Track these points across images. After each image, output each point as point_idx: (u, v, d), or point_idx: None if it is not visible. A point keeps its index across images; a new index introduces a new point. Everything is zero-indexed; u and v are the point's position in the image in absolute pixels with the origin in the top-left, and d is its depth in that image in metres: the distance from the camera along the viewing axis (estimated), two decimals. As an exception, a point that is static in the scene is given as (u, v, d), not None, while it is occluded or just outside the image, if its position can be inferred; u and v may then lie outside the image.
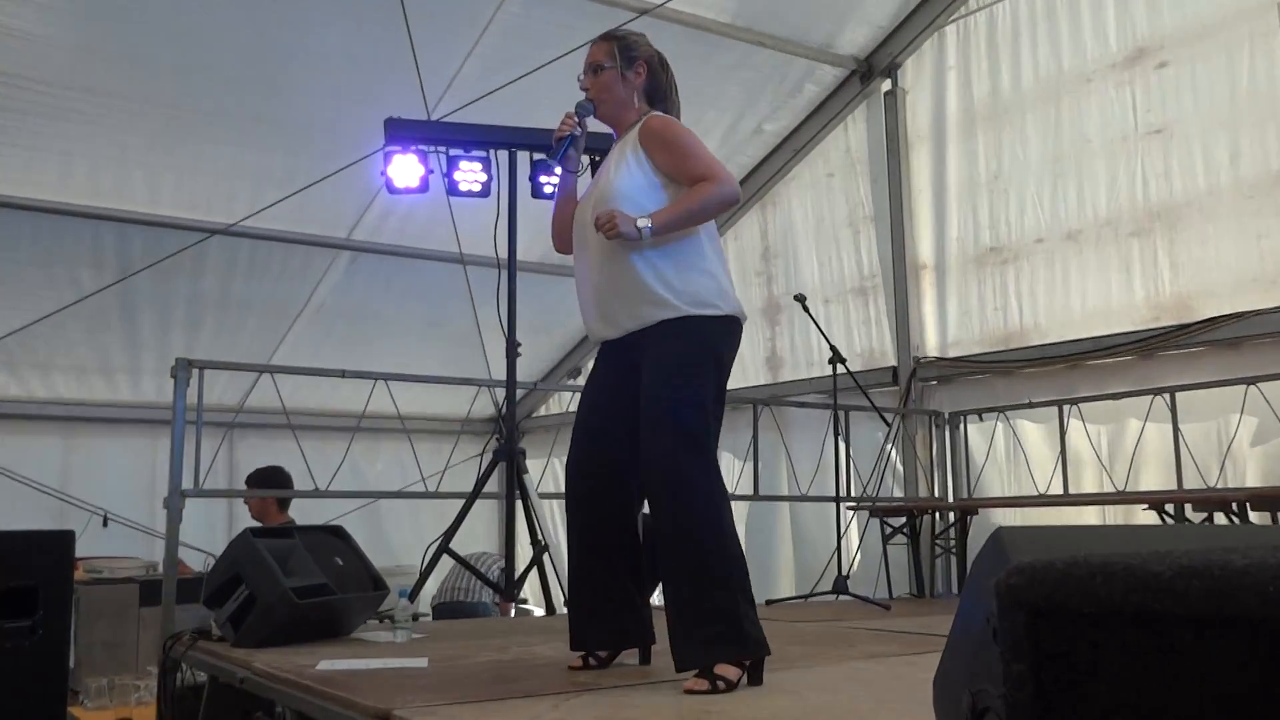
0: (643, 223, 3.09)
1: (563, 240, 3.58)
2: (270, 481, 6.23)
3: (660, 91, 3.46)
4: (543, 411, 10.36)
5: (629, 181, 3.25)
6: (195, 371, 4.99)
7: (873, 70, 7.79)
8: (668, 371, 3.10)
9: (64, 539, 4.69)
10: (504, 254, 5.25)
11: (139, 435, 8.46)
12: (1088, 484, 6.50)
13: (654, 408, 3.08)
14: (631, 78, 3.41)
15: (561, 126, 3.40)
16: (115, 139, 6.61)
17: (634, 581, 3.31)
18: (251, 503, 6.43)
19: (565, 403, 9.41)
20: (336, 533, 5.22)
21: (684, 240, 3.20)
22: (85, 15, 5.87)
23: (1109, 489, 6.31)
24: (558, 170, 3.56)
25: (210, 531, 8.01)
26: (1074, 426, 6.52)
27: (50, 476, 7.98)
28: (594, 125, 3.51)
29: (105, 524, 7.64)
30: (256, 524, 6.39)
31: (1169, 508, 5.56)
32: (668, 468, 3.02)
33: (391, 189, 5.12)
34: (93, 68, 6.16)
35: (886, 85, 7.77)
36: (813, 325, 6.58)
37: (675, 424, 3.03)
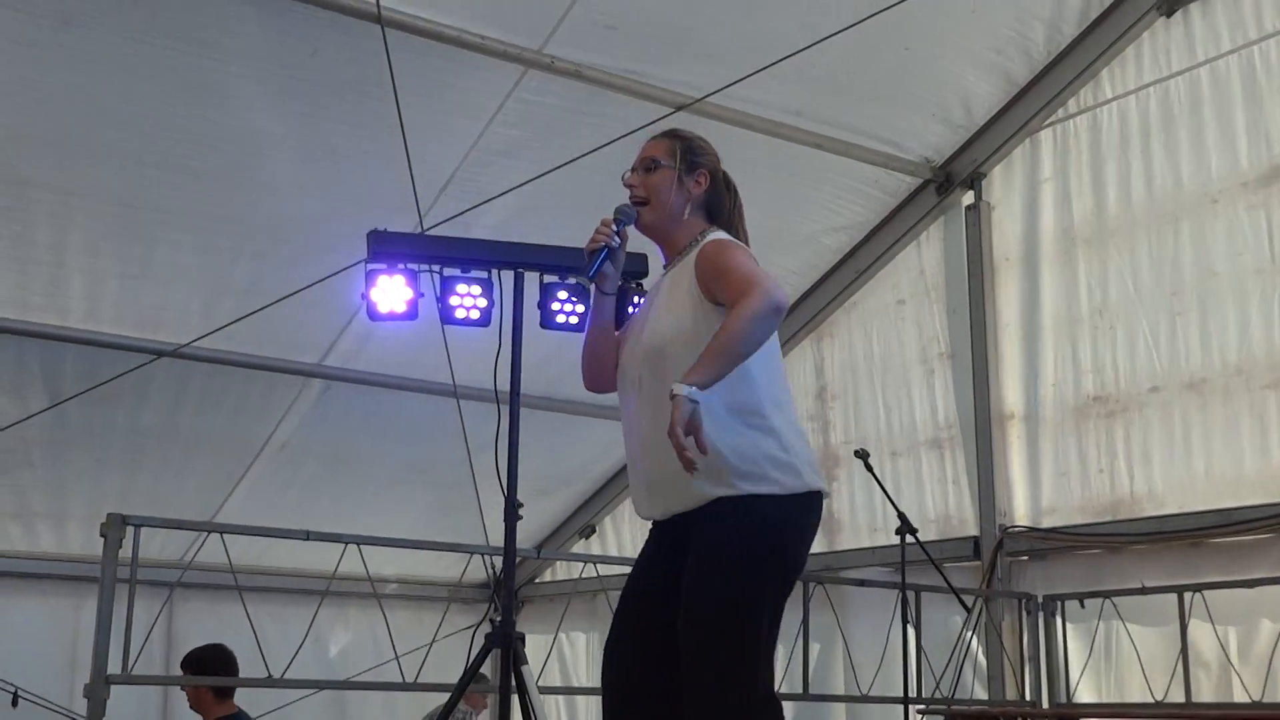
0: (684, 390, 2.89)
1: (596, 379, 3.51)
2: (208, 666, 6.14)
3: (723, 213, 3.43)
4: (548, 577, 10.20)
5: (683, 322, 3.19)
6: (130, 529, 4.90)
7: (952, 180, 7.79)
8: (711, 587, 3.03)
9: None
10: (505, 391, 5.18)
11: (61, 595, 8.36)
12: (1212, 692, 6.31)
13: (692, 654, 3.03)
14: (690, 185, 3.38)
15: (596, 235, 3.34)
16: (48, 240, 6.60)
17: None
18: (188, 690, 6.33)
19: (575, 569, 9.25)
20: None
21: (739, 387, 3.08)
22: (12, 92, 5.91)
23: (1241, 698, 6.11)
24: (590, 289, 3.45)
25: (142, 718, 7.86)
26: (1197, 619, 6.34)
27: (-51, 643, 7.85)
28: (635, 241, 3.46)
29: (15, 703, 7.46)
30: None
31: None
32: None
33: (373, 315, 5.08)
34: (21, 154, 6.17)
35: (969, 198, 7.77)
36: (876, 485, 6.48)
37: (717, 691, 2.99)
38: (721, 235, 3.34)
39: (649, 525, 3.41)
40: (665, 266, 3.45)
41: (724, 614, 3.01)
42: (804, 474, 3.16)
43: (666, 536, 3.29)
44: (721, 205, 3.44)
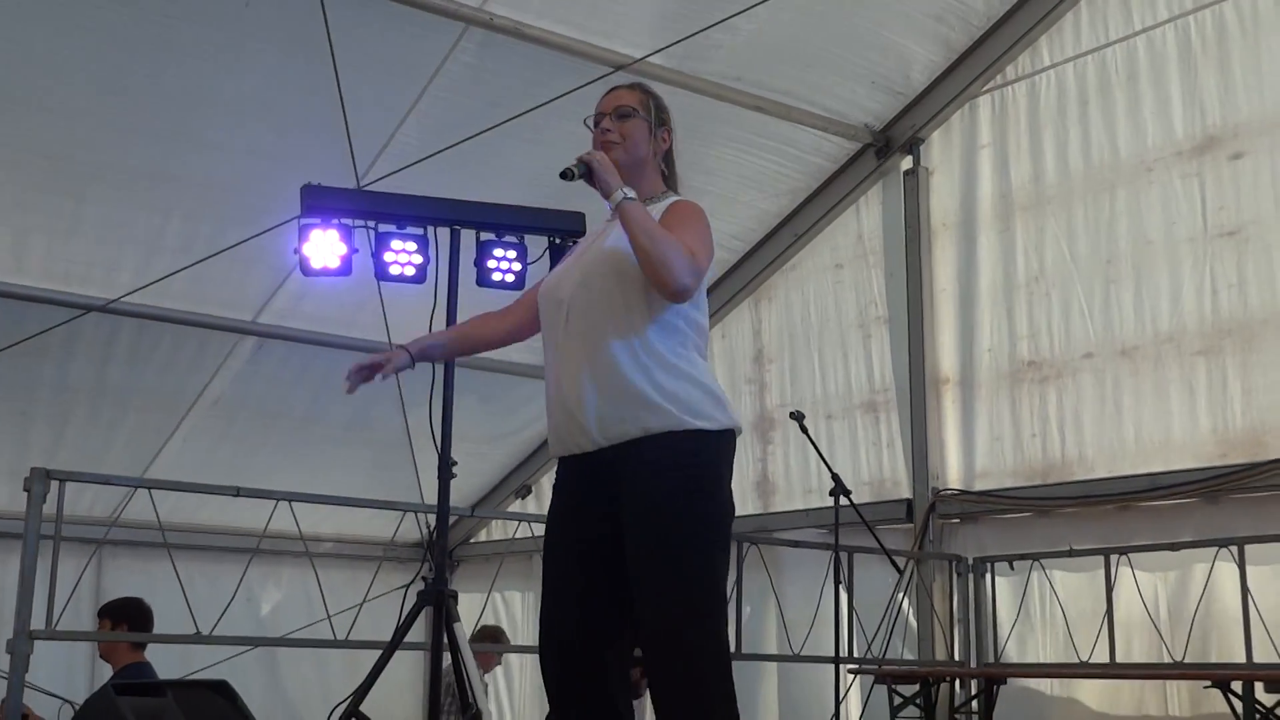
0: (625, 190, 3.15)
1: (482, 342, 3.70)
2: (125, 615, 6.17)
3: (672, 171, 3.49)
4: (483, 537, 10.18)
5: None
6: (55, 484, 4.83)
7: (891, 145, 7.82)
8: (666, 524, 3.05)
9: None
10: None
11: (-15, 551, 8.25)
12: (1140, 651, 6.41)
13: (655, 601, 3.05)
14: (659, 140, 3.43)
15: (593, 154, 3.30)
16: (-30, 191, 6.49)
17: None
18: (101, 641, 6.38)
19: (510, 528, 9.24)
20: (220, 690, 5.06)
21: (671, 336, 3.19)
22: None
23: (1166, 658, 6.21)
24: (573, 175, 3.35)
25: (69, 673, 7.77)
26: (1124, 581, 6.43)
27: None
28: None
29: (-64, 660, 7.37)
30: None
31: (1236, 686, 5.45)
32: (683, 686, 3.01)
33: (306, 270, 5.01)
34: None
35: (907, 163, 7.80)
36: (811, 448, 6.50)
37: (688, 638, 3.01)
38: (692, 202, 3.38)
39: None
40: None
41: (684, 553, 3.04)
42: (730, 412, 3.23)
43: (585, 480, 3.27)
44: (672, 164, 3.49)
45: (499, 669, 9.10)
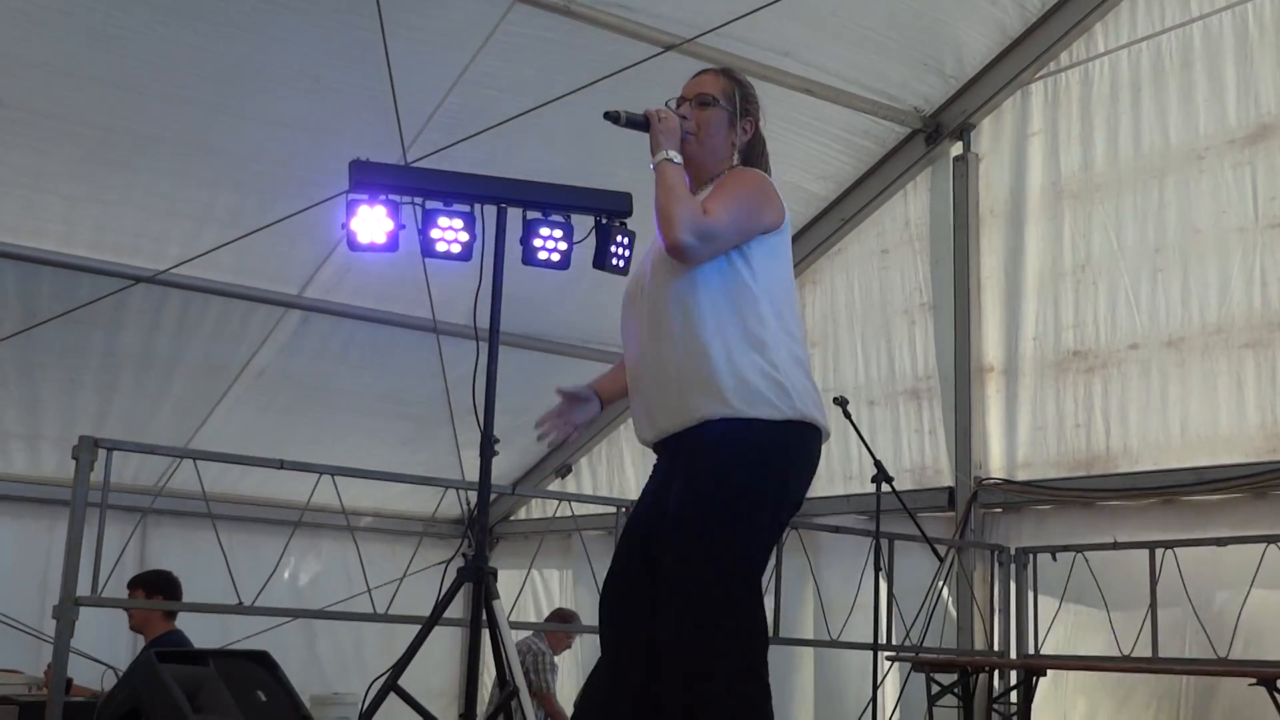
0: (669, 153, 3.16)
1: None
2: (157, 587, 6.41)
3: (757, 163, 3.46)
4: (523, 515, 10.22)
5: None
6: (103, 453, 4.88)
7: (941, 130, 7.77)
8: (695, 515, 3.04)
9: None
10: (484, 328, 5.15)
11: (33, 517, 8.39)
12: (1181, 646, 6.35)
13: (671, 594, 3.04)
14: (740, 131, 3.39)
15: (660, 112, 3.30)
16: (26, 162, 6.55)
17: None
18: (134, 612, 6.52)
19: (550, 507, 9.27)
20: (260, 660, 5.11)
21: (741, 324, 3.13)
22: (-6, 14, 5.84)
23: (1210, 654, 6.15)
24: (619, 118, 3.39)
25: (112, 641, 7.84)
26: (1168, 575, 6.37)
27: (-79, 562, 7.86)
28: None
29: (-14, 622, 7.50)
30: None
31: (1281, 683, 5.40)
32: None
33: (353, 245, 4.99)
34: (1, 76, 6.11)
35: (957, 149, 7.74)
36: (853, 433, 6.49)
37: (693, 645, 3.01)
38: (752, 169, 3.38)
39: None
40: None
41: (711, 547, 3.03)
42: (797, 402, 3.14)
43: (663, 465, 3.29)
44: (756, 158, 3.46)
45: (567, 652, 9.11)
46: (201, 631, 6.70)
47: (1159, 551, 6.39)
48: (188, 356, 7.96)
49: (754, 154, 3.45)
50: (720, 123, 3.35)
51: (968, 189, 7.64)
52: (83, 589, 4.79)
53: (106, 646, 7.45)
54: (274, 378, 8.33)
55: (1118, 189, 6.95)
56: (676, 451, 3.18)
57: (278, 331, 8.05)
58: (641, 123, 3.26)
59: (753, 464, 3.07)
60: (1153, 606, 6.38)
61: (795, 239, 8.25)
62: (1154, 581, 6.40)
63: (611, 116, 3.24)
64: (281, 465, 5.45)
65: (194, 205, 7.00)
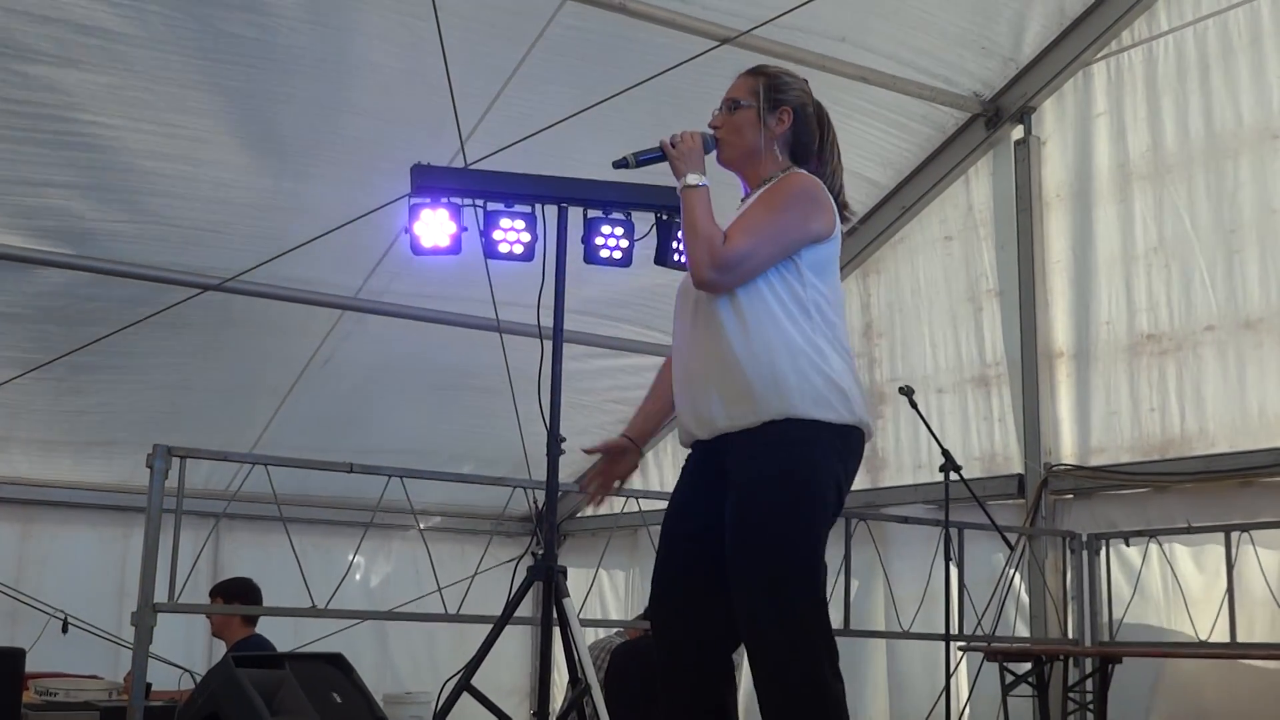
0: (692, 178, 3.22)
1: None
2: (237, 594, 6.60)
3: (807, 148, 3.45)
4: (589, 511, 10.24)
5: None
6: (176, 460, 4.97)
7: (1001, 114, 7.69)
8: (760, 517, 3.03)
9: (11, 659, 4.66)
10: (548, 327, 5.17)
11: (109, 524, 8.49)
12: (1262, 631, 6.28)
13: (746, 599, 3.05)
14: (772, 124, 3.40)
15: (674, 140, 3.34)
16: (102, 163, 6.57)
17: None
18: (214, 617, 6.68)
19: (617, 504, 9.29)
20: (335, 662, 5.18)
21: (790, 325, 3.15)
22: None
23: (1288, 639, 6.10)
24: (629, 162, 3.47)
25: (189, 644, 7.99)
26: (1246, 558, 6.31)
27: (2, 570, 7.98)
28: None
29: (65, 629, 7.63)
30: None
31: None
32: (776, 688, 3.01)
33: (416, 249, 5.05)
34: (69, 83, 6.15)
35: (1018, 133, 7.67)
36: (921, 422, 6.46)
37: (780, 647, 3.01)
38: (802, 172, 3.37)
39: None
40: (744, 197, 3.46)
41: (785, 546, 3.03)
42: (856, 407, 3.17)
43: (710, 462, 3.26)
44: (808, 140, 3.45)
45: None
46: (276, 634, 6.79)
47: (1236, 535, 6.33)
48: (253, 359, 8.00)
49: (806, 140, 3.44)
50: (749, 123, 3.37)
51: (1030, 173, 7.57)
52: (159, 595, 4.87)
53: (183, 650, 7.59)
54: (338, 379, 8.30)
55: (1189, 169, 6.86)
56: (724, 452, 3.17)
57: (338, 332, 8.01)
58: (657, 155, 3.31)
59: (817, 465, 3.09)
60: (1230, 591, 6.32)
61: (856, 229, 8.32)
62: (1230, 565, 6.33)
63: (620, 164, 3.30)
64: (351, 469, 5.49)
65: (257, 197, 7.00)
